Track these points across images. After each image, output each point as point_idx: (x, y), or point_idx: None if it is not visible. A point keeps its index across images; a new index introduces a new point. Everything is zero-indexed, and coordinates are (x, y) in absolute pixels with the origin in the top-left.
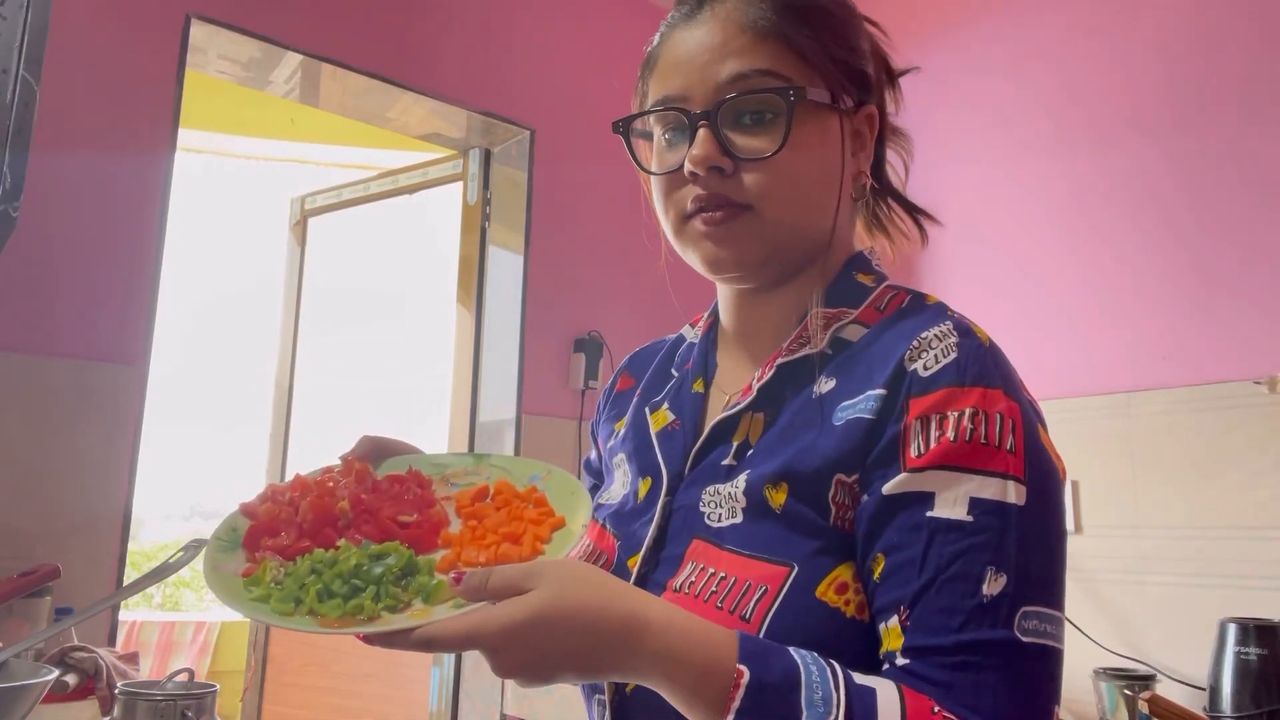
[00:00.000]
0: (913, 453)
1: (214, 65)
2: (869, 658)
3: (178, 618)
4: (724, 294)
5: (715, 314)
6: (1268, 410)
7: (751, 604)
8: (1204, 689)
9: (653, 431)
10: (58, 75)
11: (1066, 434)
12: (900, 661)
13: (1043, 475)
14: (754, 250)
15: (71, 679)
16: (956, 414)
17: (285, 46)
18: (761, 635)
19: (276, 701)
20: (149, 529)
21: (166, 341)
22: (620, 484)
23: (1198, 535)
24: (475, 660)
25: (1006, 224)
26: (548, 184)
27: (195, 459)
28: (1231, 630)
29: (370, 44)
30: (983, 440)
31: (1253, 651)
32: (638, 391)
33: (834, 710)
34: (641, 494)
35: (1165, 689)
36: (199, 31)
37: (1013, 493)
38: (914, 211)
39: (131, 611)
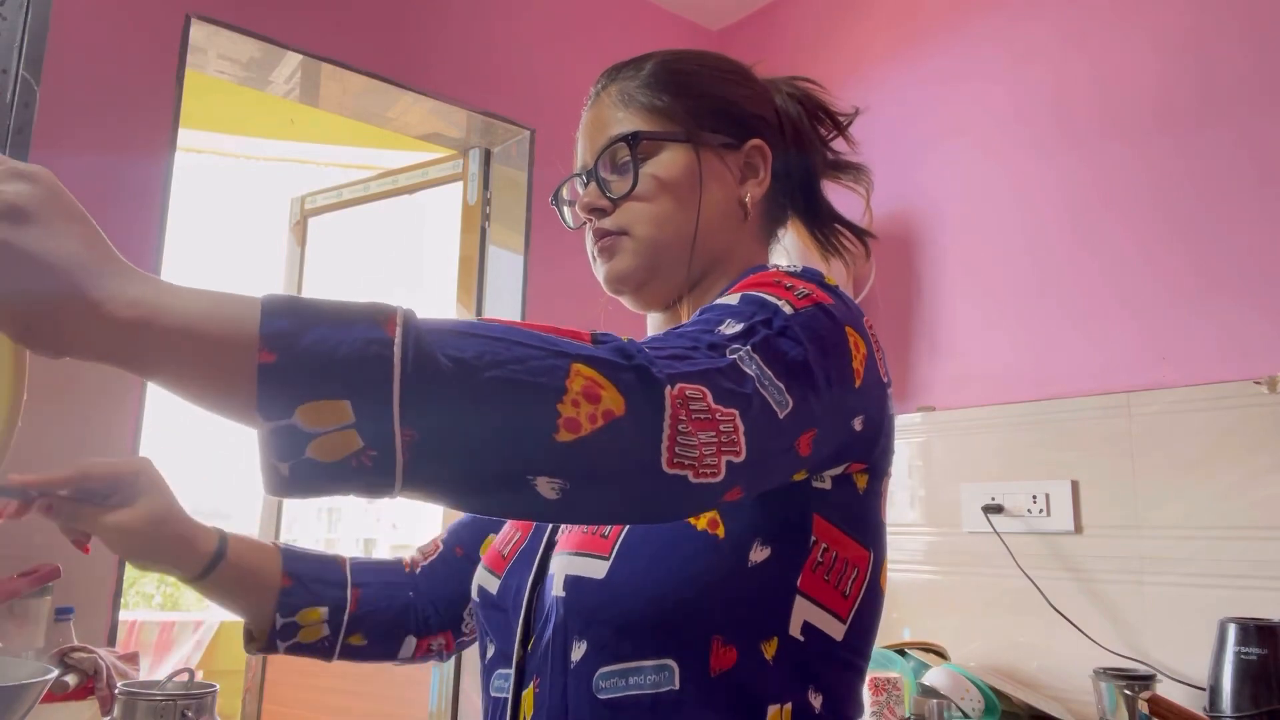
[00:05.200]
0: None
1: (214, 65)
2: (727, 575)
3: (177, 617)
4: (648, 319)
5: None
6: (1268, 410)
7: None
8: (1204, 689)
9: None
10: (58, 75)
11: (1066, 434)
12: None
13: (822, 326)
14: (633, 265)
15: (71, 679)
16: (770, 277)
17: (285, 46)
18: (616, 547)
19: (276, 701)
20: None
21: None
22: None
23: (1198, 535)
24: (476, 661)
25: (1005, 225)
26: (548, 184)
27: (195, 459)
28: (1231, 630)
29: (370, 44)
30: (777, 281)
31: (1253, 651)
32: None
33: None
34: None
35: (1165, 689)
36: (199, 31)
37: (784, 306)
38: (855, 232)
39: (131, 611)
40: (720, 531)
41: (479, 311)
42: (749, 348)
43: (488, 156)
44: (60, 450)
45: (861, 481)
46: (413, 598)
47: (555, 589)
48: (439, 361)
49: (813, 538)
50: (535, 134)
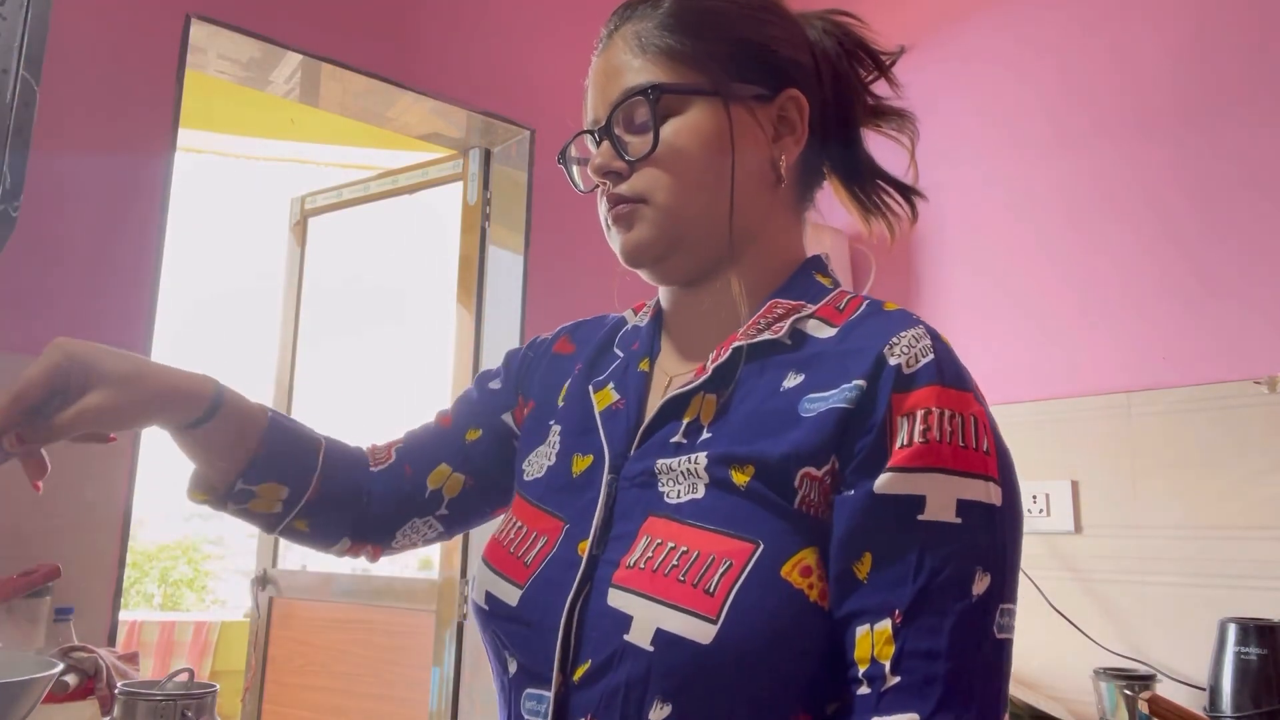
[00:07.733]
0: (900, 451)
1: (214, 65)
2: (825, 645)
3: (178, 618)
4: (662, 289)
5: (658, 304)
6: (1268, 410)
7: (715, 578)
8: (1204, 689)
9: (597, 411)
10: (58, 75)
11: (1066, 434)
12: (892, 679)
13: (1009, 475)
14: (652, 236)
15: (71, 679)
16: (939, 412)
17: (285, 46)
18: (725, 610)
19: (276, 701)
20: (149, 529)
21: (167, 341)
22: (544, 456)
23: (1198, 535)
24: (476, 661)
25: (1006, 223)
26: (548, 184)
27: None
28: (1231, 630)
29: (370, 44)
30: (962, 443)
31: (1253, 651)
32: (578, 365)
33: None
34: (578, 469)
35: (1165, 689)
36: (199, 31)
37: (993, 494)
38: (901, 189)
39: (132, 611)
40: (827, 604)
41: (479, 311)
42: (1004, 605)
43: (488, 156)
44: (59, 451)
45: None
46: (364, 501)
47: (635, 637)
48: None
49: None
50: (535, 134)
